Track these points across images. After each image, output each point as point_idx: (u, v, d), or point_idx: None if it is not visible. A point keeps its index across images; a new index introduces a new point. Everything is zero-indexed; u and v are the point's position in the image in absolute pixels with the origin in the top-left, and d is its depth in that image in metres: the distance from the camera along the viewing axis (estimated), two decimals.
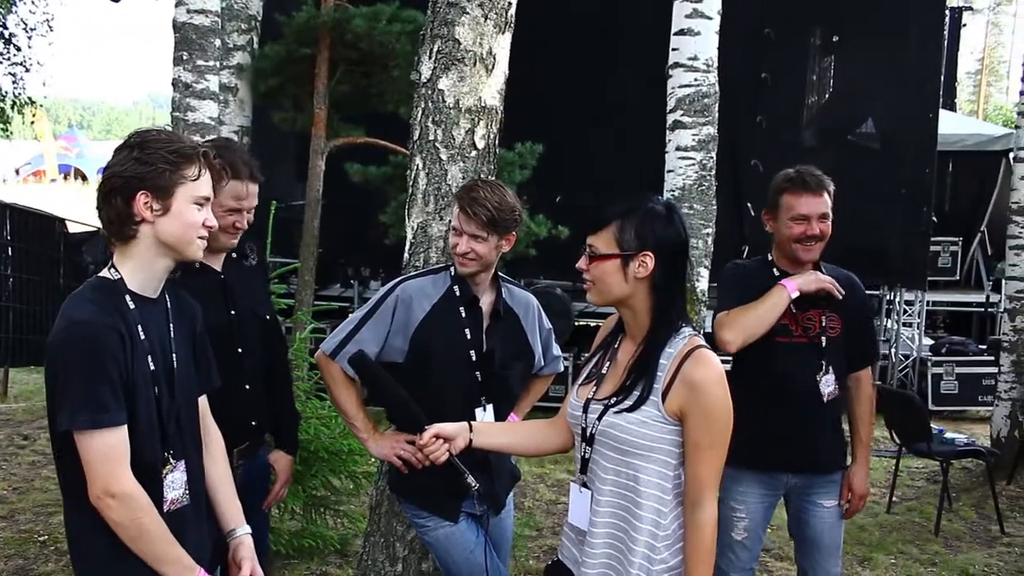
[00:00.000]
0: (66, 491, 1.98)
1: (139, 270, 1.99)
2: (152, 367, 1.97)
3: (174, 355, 2.05)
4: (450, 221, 3.08)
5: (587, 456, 2.16)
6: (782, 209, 3.05)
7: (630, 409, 2.05)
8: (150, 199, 1.92)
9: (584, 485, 2.17)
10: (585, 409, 2.15)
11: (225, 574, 2.19)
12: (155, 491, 1.96)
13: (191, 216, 1.99)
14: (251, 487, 2.82)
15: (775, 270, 3.10)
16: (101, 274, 1.98)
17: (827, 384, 3.06)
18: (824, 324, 3.06)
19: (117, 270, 1.97)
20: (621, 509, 2.09)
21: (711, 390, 2.00)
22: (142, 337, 1.95)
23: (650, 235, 2.06)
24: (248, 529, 2.25)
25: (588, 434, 2.14)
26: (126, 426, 1.88)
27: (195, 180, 1.98)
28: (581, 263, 2.13)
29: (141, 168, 1.91)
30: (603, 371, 2.20)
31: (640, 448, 2.04)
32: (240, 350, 2.75)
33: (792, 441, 3.01)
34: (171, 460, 2.01)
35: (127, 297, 1.95)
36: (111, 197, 1.93)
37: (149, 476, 1.95)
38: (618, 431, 2.06)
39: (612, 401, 2.09)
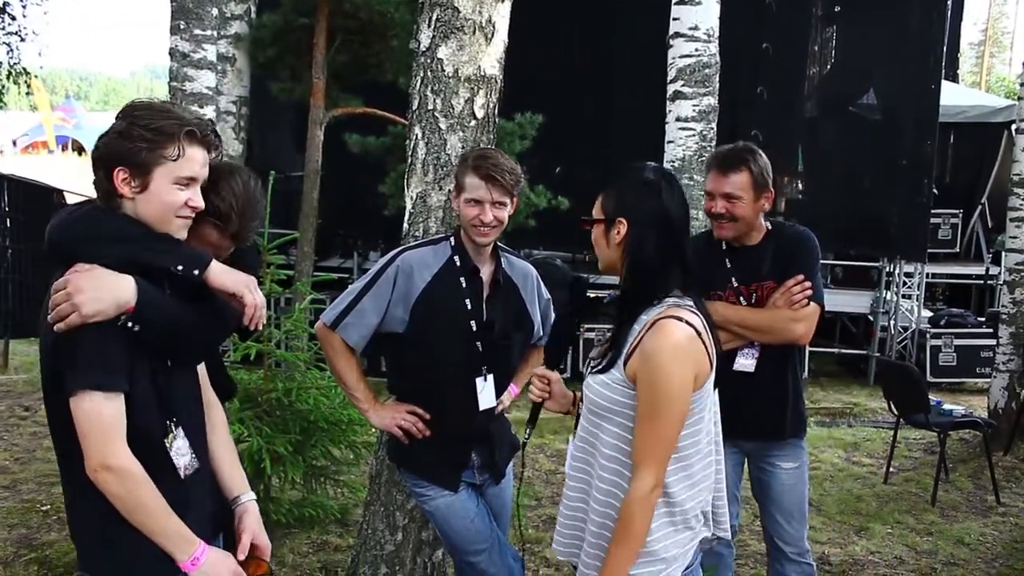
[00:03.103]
0: (63, 463, 1.96)
1: None
2: None
3: None
4: (450, 191, 3.07)
5: (580, 414, 2.22)
6: None
7: (601, 371, 2.09)
8: (128, 176, 1.87)
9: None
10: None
11: (228, 541, 2.20)
12: (163, 459, 1.95)
13: (170, 196, 1.91)
14: None
15: (723, 244, 3.10)
16: None
17: (744, 356, 3.02)
18: (765, 296, 3.02)
19: None
20: (585, 464, 2.14)
21: (656, 360, 1.97)
22: None
23: (624, 202, 2.10)
24: (252, 495, 2.25)
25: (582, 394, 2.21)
26: (123, 398, 1.85)
27: (175, 160, 1.90)
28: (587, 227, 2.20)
29: (120, 143, 1.87)
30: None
31: (603, 409, 2.07)
32: None
33: (739, 412, 2.95)
34: (173, 428, 2.00)
35: None
36: (96, 168, 1.91)
37: (154, 444, 1.94)
38: (590, 392, 2.10)
39: (593, 364, 2.15)
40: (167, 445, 1.98)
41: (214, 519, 2.14)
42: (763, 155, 3.02)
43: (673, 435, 1.99)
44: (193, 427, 2.07)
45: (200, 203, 1.99)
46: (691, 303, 2.07)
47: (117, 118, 1.91)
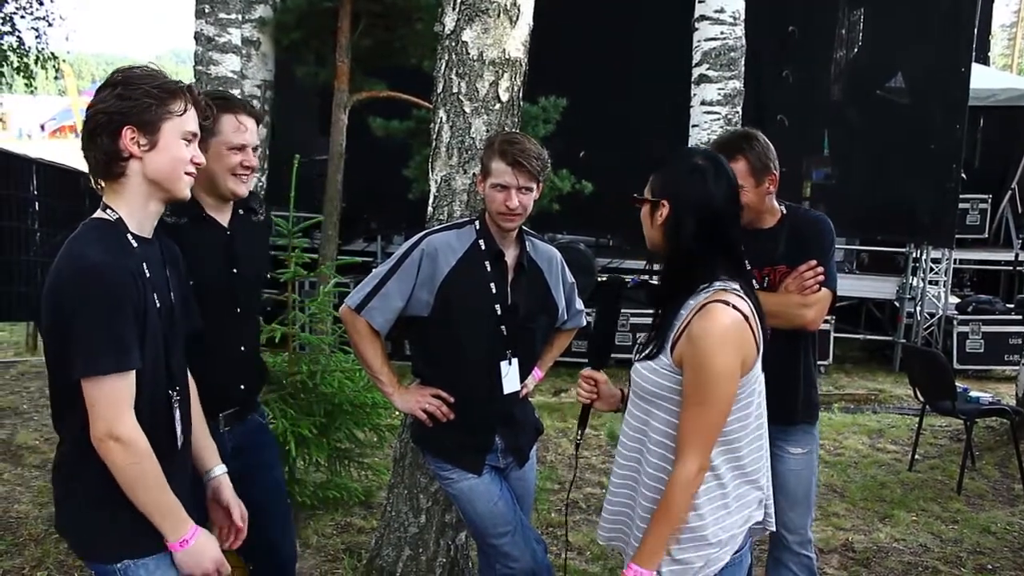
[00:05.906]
0: (67, 437, 1.96)
1: (134, 211, 1.95)
2: (158, 304, 1.95)
3: (172, 294, 2.04)
4: (474, 175, 3.07)
5: (627, 401, 2.21)
6: None
7: (648, 357, 2.08)
8: (136, 134, 1.90)
9: None
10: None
11: (201, 515, 2.21)
12: (169, 427, 1.98)
13: (179, 151, 1.96)
14: (246, 451, 2.66)
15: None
16: (97, 215, 1.94)
17: None
18: (777, 280, 2.98)
19: (113, 210, 1.94)
20: (636, 452, 2.13)
21: (702, 344, 1.96)
22: (147, 275, 1.93)
23: (668, 184, 2.08)
24: (224, 468, 2.28)
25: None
26: (135, 372, 1.86)
27: (181, 115, 1.96)
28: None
29: (124, 104, 1.89)
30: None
31: (651, 395, 2.06)
32: (239, 310, 2.62)
33: None
34: (176, 397, 2.02)
35: (128, 236, 1.93)
36: (96, 136, 1.90)
37: (162, 413, 1.97)
38: (638, 377, 2.10)
39: (641, 350, 2.13)
40: (174, 412, 2.00)
41: (194, 492, 2.16)
42: (761, 138, 2.95)
43: (719, 420, 1.99)
44: (186, 399, 2.10)
45: (202, 158, 2.04)
46: (738, 288, 2.04)
47: (108, 85, 1.92)
